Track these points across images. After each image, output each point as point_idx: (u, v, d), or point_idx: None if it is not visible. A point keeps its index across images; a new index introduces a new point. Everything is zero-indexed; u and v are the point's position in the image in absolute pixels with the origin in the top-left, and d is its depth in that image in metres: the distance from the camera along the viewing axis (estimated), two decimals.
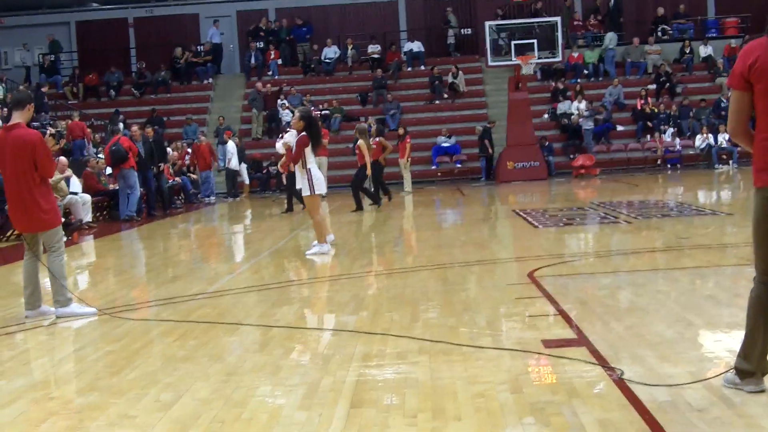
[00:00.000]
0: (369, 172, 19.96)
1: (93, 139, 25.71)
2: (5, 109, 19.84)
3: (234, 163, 27.27)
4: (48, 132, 8.80)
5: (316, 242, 12.43)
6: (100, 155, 22.57)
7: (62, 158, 19.34)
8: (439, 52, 36.15)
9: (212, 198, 26.88)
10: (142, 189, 21.11)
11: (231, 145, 27.28)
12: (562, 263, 10.56)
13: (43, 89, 29.33)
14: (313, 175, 12.15)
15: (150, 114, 31.44)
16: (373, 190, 20.66)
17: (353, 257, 12.05)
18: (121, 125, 22.80)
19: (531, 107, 29.78)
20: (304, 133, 12.05)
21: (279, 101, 32.30)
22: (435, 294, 8.81)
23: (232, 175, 27.58)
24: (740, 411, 4.66)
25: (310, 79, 35.06)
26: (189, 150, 27.37)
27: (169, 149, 25.22)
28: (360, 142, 20.08)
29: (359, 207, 19.68)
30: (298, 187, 12.68)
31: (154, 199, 22.23)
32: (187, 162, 26.93)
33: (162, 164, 22.74)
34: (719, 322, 6.84)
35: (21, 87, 26.48)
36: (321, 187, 12.33)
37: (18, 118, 8.48)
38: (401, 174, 25.55)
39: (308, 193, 12.29)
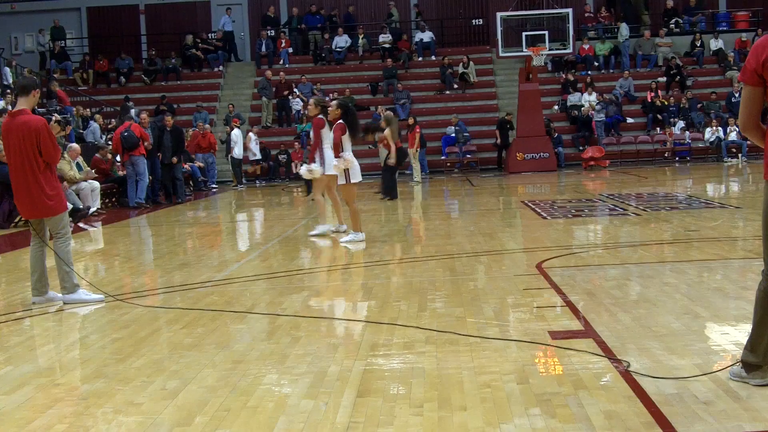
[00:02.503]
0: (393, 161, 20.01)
1: (102, 124, 25.75)
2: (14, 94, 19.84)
3: (238, 151, 27.24)
4: (53, 118, 8.79)
5: (351, 231, 12.53)
6: (108, 143, 22.58)
7: (75, 145, 19.36)
8: (450, 42, 36.14)
9: (215, 186, 26.95)
10: (150, 176, 21.14)
11: (236, 133, 27.25)
12: (571, 254, 10.55)
13: (55, 75, 29.35)
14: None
15: (160, 101, 31.46)
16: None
17: (362, 246, 12.04)
18: (133, 112, 22.76)
19: (541, 98, 29.73)
20: (341, 121, 12.09)
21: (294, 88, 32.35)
22: (443, 284, 8.80)
23: (237, 163, 27.57)
24: (746, 404, 4.65)
25: (321, 68, 35.03)
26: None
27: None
28: (386, 131, 20.05)
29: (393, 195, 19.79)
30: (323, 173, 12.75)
31: (162, 187, 22.24)
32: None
33: (178, 155, 22.71)
34: (726, 314, 6.83)
35: (26, 73, 26.47)
36: (356, 176, 12.34)
37: (23, 104, 8.48)
38: (410, 163, 25.55)
39: (344, 182, 12.32)
